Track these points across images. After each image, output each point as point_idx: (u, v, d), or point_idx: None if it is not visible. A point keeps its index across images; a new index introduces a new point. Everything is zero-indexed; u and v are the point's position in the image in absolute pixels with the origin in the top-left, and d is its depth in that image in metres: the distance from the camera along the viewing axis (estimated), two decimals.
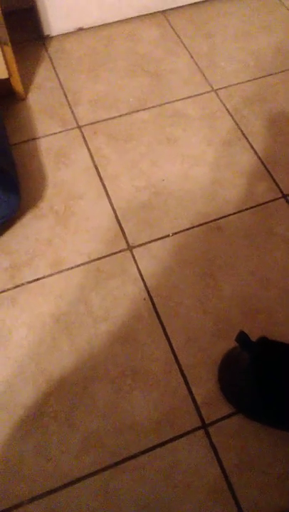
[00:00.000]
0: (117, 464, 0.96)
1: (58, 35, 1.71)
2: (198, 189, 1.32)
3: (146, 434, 0.99)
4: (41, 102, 1.52)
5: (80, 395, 1.03)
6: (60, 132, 1.45)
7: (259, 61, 1.62)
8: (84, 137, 1.43)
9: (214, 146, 1.41)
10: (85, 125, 1.46)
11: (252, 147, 1.40)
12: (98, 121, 1.47)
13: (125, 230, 1.25)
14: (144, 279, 1.18)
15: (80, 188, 1.33)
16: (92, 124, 1.47)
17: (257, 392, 0.97)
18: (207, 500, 0.93)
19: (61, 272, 1.19)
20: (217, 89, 1.54)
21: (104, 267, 1.20)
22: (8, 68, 1.41)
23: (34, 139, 1.43)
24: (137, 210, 1.29)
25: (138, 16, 1.75)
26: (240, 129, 1.45)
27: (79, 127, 1.46)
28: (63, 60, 1.64)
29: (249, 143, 1.41)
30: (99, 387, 1.04)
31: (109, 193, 1.32)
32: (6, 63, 1.40)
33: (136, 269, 1.19)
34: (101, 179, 1.35)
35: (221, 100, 1.51)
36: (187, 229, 1.25)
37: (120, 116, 1.48)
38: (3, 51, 1.36)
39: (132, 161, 1.38)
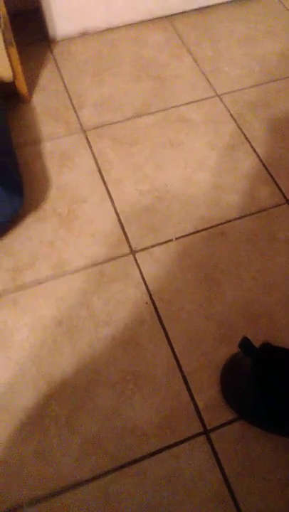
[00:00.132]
0: (118, 468, 0.96)
1: (63, 38, 1.71)
2: (202, 194, 1.32)
3: (147, 439, 0.99)
4: (46, 105, 1.52)
5: (81, 399, 1.03)
6: (64, 135, 1.45)
7: (263, 67, 1.62)
8: (88, 140, 1.43)
9: (218, 150, 1.41)
10: (90, 128, 1.46)
11: (255, 152, 1.40)
12: (102, 125, 1.47)
13: (128, 234, 1.25)
14: (147, 283, 1.17)
15: (83, 191, 1.32)
16: (96, 127, 1.47)
17: (259, 398, 0.97)
18: (208, 506, 0.92)
19: (64, 274, 1.19)
20: (221, 95, 1.54)
21: (106, 271, 1.19)
22: (13, 70, 1.41)
23: (38, 141, 1.43)
24: (140, 214, 1.28)
25: (143, 21, 1.76)
26: (243, 134, 1.45)
27: (83, 130, 1.46)
28: (68, 62, 1.64)
29: (252, 148, 1.41)
30: (100, 390, 1.04)
31: (113, 196, 1.32)
32: (11, 65, 1.40)
33: (138, 273, 1.19)
34: (105, 183, 1.34)
35: (224, 105, 1.51)
36: (190, 234, 1.25)
37: (125, 120, 1.48)
38: (8, 53, 1.36)
39: (136, 165, 1.38)
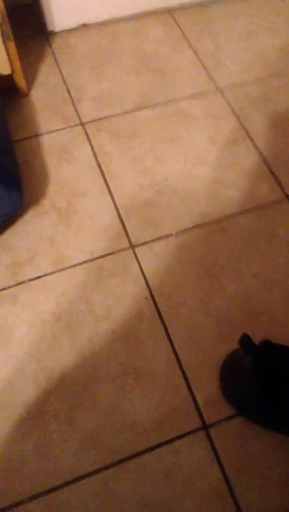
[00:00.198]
0: (117, 463, 0.96)
1: (62, 31, 1.71)
2: (202, 188, 1.32)
3: (146, 434, 0.99)
4: (44, 99, 1.51)
5: (81, 394, 1.03)
6: (63, 129, 1.44)
7: (264, 62, 1.61)
8: (87, 134, 1.43)
9: (218, 145, 1.40)
10: (89, 122, 1.46)
11: (256, 147, 1.40)
12: (102, 118, 1.46)
13: (128, 229, 1.25)
14: (147, 277, 1.17)
15: (82, 186, 1.32)
16: (95, 120, 1.46)
17: (259, 395, 0.97)
18: (207, 501, 0.93)
19: (63, 269, 1.18)
20: (222, 89, 1.54)
21: (106, 265, 1.19)
22: (11, 64, 1.41)
23: (37, 135, 1.42)
24: (139, 208, 1.28)
25: (143, 13, 1.75)
26: (244, 129, 1.44)
27: (82, 124, 1.45)
28: (67, 56, 1.63)
29: (253, 143, 1.41)
30: (100, 386, 1.04)
31: (112, 190, 1.31)
32: (9, 59, 1.39)
33: (138, 268, 1.19)
34: (104, 176, 1.34)
35: (225, 100, 1.51)
36: (190, 228, 1.25)
37: (124, 113, 1.48)
38: (6, 47, 1.35)
39: (136, 159, 1.37)
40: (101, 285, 1.16)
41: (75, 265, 1.19)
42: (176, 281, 1.17)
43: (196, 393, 1.03)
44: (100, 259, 1.20)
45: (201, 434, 0.99)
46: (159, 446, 0.98)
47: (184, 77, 1.56)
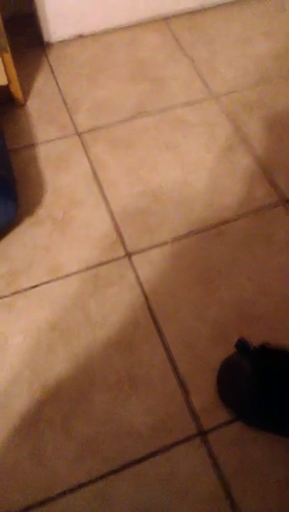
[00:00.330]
0: (113, 471, 0.96)
1: (59, 42, 1.72)
2: (197, 195, 1.32)
3: (143, 441, 0.98)
4: (41, 109, 1.52)
5: (77, 402, 1.03)
6: (59, 138, 1.45)
7: (259, 67, 1.61)
8: (83, 143, 1.43)
9: (214, 152, 1.41)
10: (85, 131, 1.46)
11: (251, 153, 1.40)
12: (98, 128, 1.47)
13: (124, 237, 1.25)
14: (142, 285, 1.17)
15: (78, 195, 1.32)
16: (91, 130, 1.46)
17: (257, 398, 0.97)
18: (205, 508, 0.92)
19: (59, 278, 1.19)
20: (217, 96, 1.54)
21: (102, 274, 1.19)
22: (7, 74, 1.42)
23: (33, 145, 1.43)
24: (135, 216, 1.28)
25: (139, 23, 1.76)
26: (239, 135, 1.44)
27: (78, 134, 1.46)
28: (63, 66, 1.64)
29: (248, 149, 1.41)
30: (96, 393, 1.03)
31: (108, 199, 1.32)
32: (6, 69, 1.40)
33: (134, 276, 1.19)
34: (100, 185, 1.34)
35: (220, 106, 1.51)
36: (186, 235, 1.25)
37: (120, 122, 1.48)
38: (2, 57, 1.36)
39: (131, 167, 1.38)
40: (97, 293, 1.16)
41: (70, 274, 1.19)
42: (172, 288, 1.17)
43: (192, 399, 1.03)
44: (96, 268, 1.20)
45: (198, 440, 0.98)
46: (155, 453, 0.97)
47: (180, 85, 1.57)
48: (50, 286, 1.17)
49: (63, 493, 0.94)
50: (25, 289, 1.17)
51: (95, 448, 0.98)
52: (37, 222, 1.27)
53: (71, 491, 0.94)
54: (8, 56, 1.38)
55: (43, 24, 1.65)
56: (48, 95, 1.55)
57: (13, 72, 1.42)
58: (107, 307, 1.14)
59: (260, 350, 0.94)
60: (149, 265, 1.20)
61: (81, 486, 0.94)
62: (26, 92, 1.56)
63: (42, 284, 1.18)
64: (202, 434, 0.99)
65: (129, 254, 1.22)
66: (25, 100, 1.54)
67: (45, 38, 1.69)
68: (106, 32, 1.74)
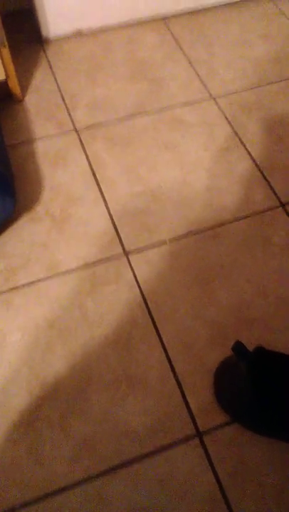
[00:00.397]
0: (110, 470, 0.95)
1: (57, 38, 1.71)
2: (196, 195, 1.32)
3: (140, 441, 0.98)
4: (39, 105, 1.51)
5: (74, 400, 1.02)
6: (57, 135, 1.44)
7: (258, 69, 1.62)
8: (81, 141, 1.43)
9: (212, 152, 1.41)
10: (83, 128, 1.46)
11: (250, 154, 1.40)
12: (96, 125, 1.46)
13: (121, 235, 1.24)
14: (140, 284, 1.17)
15: (76, 192, 1.32)
16: (89, 127, 1.46)
17: (253, 400, 0.97)
18: (202, 508, 0.92)
19: (56, 275, 1.18)
20: (215, 97, 1.54)
21: (99, 272, 1.19)
22: (5, 70, 1.41)
23: (31, 141, 1.42)
24: (133, 215, 1.28)
25: (138, 22, 1.75)
26: (238, 136, 1.44)
27: (76, 130, 1.45)
28: (62, 62, 1.63)
29: (247, 150, 1.41)
30: (93, 392, 1.03)
31: (106, 197, 1.31)
32: (4, 65, 1.39)
33: (132, 275, 1.18)
34: (98, 183, 1.34)
35: (219, 107, 1.51)
36: (184, 235, 1.25)
37: (119, 120, 1.48)
38: (0, 53, 1.35)
39: (130, 166, 1.37)
40: (94, 292, 1.16)
41: (68, 271, 1.19)
42: (170, 288, 1.16)
43: (189, 400, 1.03)
44: (94, 266, 1.20)
45: (195, 441, 0.98)
46: (152, 453, 0.97)
47: (178, 85, 1.57)
48: (47, 283, 1.17)
49: (60, 491, 0.93)
50: (23, 286, 1.16)
51: (92, 447, 0.97)
52: (35, 219, 1.27)
53: (68, 489, 0.93)
54: (6, 51, 1.37)
55: (41, 20, 1.64)
56: (46, 91, 1.55)
57: (11, 67, 1.41)
58: (105, 306, 1.14)
59: (257, 354, 0.94)
60: (147, 265, 1.20)
61: (78, 484, 0.94)
62: (24, 88, 1.55)
63: (39, 280, 1.17)
64: (199, 434, 0.99)
65: (126, 253, 1.22)
66: (24, 96, 1.53)
67: (44, 34, 1.68)
68: (105, 29, 1.73)
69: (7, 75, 1.43)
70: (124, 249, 1.22)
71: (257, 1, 1.82)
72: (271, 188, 1.33)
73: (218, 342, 1.10)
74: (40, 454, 0.96)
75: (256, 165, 1.38)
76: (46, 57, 1.65)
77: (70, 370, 1.06)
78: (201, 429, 1.00)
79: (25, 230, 1.25)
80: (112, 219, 1.27)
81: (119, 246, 1.23)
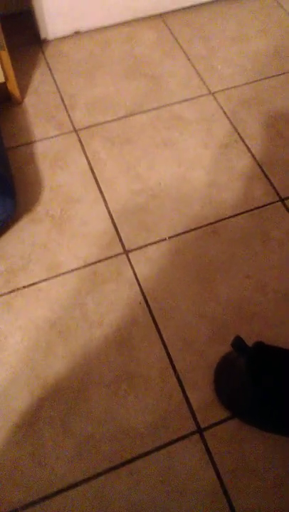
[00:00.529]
0: (112, 469, 0.96)
1: (55, 39, 1.71)
2: (195, 192, 1.32)
3: (141, 439, 0.99)
4: (38, 106, 1.51)
5: (75, 400, 1.03)
6: (56, 136, 1.44)
7: (256, 64, 1.61)
8: (80, 141, 1.43)
9: (211, 149, 1.41)
10: (82, 129, 1.46)
11: (249, 150, 1.40)
12: (95, 125, 1.47)
13: (121, 234, 1.25)
14: (140, 282, 1.17)
15: (76, 192, 1.32)
16: (88, 127, 1.46)
17: (253, 395, 0.97)
18: (203, 505, 0.92)
19: (57, 276, 1.19)
20: (214, 92, 1.54)
21: (100, 271, 1.19)
22: (4, 72, 1.41)
23: (30, 142, 1.43)
24: (133, 213, 1.28)
25: (135, 19, 1.75)
26: (237, 132, 1.44)
27: (75, 131, 1.46)
28: (60, 63, 1.64)
29: (246, 146, 1.41)
30: (94, 392, 1.04)
31: (106, 196, 1.32)
32: (3, 68, 1.40)
33: (132, 273, 1.19)
34: (97, 183, 1.34)
35: (218, 103, 1.51)
36: (183, 232, 1.25)
37: (117, 119, 1.48)
38: None
39: (129, 165, 1.38)
40: (95, 291, 1.17)
41: (68, 271, 1.19)
42: (170, 285, 1.17)
43: (190, 396, 1.03)
44: (94, 265, 1.20)
45: (196, 437, 0.99)
46: (153, 451, 0.98)
47: (177, 82, 1.57)
48: (48, 284, 1.17)
49: (62, 491, 0.94)
50: (24, 287, 1.17)
51: (93, 446, 0.98)
52: (35, 220, 1.27)
53: (70, 488, 0.94)
54: (5, 54, 1.37)
55: (40, 21, 1.64)
56: (45, 92, 1.55)
57: (10, 69, 1.42)
58: (105, 305, 1.14)
59: (256, 349, 0.95)
60: (147, 262, 1.20)
61: (80, 483, 0.95)
62: (23, 90, 1.56)
63: (40, 281, 1.18)
64: (200, 431, 0.99)
65: (126, 252, 1.22)
66: (23, 98, 1.54)
67: (42, 35, 1.69)
68: (103, 29, 1.74)
69: (6, 78, 1.43)
70: (124, 247, 1.23)
71: None
72: (270, 183, 1.33)
73: (218, 338, 1.10)
74: (42, 454, 0.97)
75: (255, 160, 1.38)
76: (45, 58, 1.65)
77: (71, 370, 1.06)
78: (201, 425, 1.00)
79: (25, 231, 1.26)
80: (111, 218, 1.28)
81: (119, 245, 1.23)
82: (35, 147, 1.42)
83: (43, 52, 1.67)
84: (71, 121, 1.48)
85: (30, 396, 1.03)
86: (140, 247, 1.23)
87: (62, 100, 1.53)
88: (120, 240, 1.24)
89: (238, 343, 0.95)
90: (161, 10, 1.76)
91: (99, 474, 0.96)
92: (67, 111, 1.50)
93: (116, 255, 1.22)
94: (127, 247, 1.23)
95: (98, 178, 1.35)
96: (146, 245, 1.23)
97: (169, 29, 1.72)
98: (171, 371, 1.06)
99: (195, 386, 1.04)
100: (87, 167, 1.37)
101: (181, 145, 1.42)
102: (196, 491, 0.93)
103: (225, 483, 0.94)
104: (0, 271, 1.19)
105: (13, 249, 1.22)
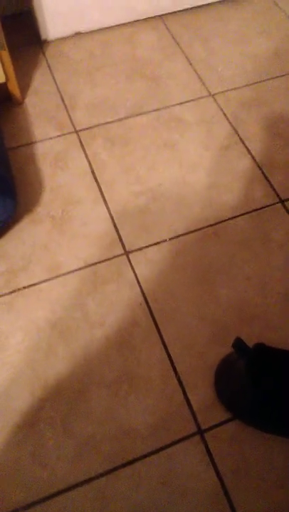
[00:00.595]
0: (113, 470, 0.96)
1: (56, 39, 1.71)
2: (195, 194, 1.32)
3: (142, 440, 0.99)
4: (38, 107, 1.52)
5: (76, 401, 1.03)
6: (57, 137, 1.44)
7: (256, 65, 1.62)
8: (81, 142, 1.43)
9: (211, 150, 1.41)
10: (83, 129, 1.46)
11: (249, 152, 1.40)
12: (96, 126, 1.47)
13: (122, 235, 1.25)
14: (141, 283, 1.17)
15: (77, 193, 1.32)
16: (89, 128, 1.46)
17: (254, 397, 0.97)
18: (203, 506, 0.93)
19: (58, 277, 1.19)
20: (214, 94, 1.54)
21: (100, 272, 1.19)
22: (5, 72, 1.41)
23: (31, 143, 1.43)
24: (133, 214, 1.28)
25: (136, 21, 1.75)
26: (237, 133, 1.45)
27: (76, 132, 1.46)
28: (61, 64, 1.64)
29: (246, 147, 1.41)
30: (95, 392, 1.04)
31: (106, 197, 1.32)
32: (3, 68, 1.40)
33: (132, 274, 1.19)
34: (98, 184, 1.34)
35: (218, 105, 1.51)
36: (184, 234, 1.25)
37: (118, 120, 1.48)
38: (0, 56, 1.36)
39: (130, 166, 1.38)
40: (96, 292, 1.17)
41: (69, 272, 1.19)
42: (171, 287, 1.17)
43: (190, 398, 1.03)
44: (95, 266, 1.20)
45: (197, 438, 0.99)
46: (154, 452, 0.98)
47: (177, 83, 1.57)
48: (49, 285, 1.18)
49: (63, 492, 0.94)
50: (24, 288, 1.17)
51: (94, 447, 0.98)
52: (36, 221, 1.27)
53: (71, 489, 0.94)
54: (6, 54, 1.37)
55: (40, 22, 1.64)
56: (46, 93, 1.55)
57: (10, 70, 1.42)
58: (106, 306, 1.15)
59: (256, 350, 0.95)
60: (148, 264, 1.20)
61: (81, 484, 0.95)
62: (24, 90, 1.56)
63: (41, 282, 1.18)
64: (200, 432, 0.99)
65: (127, 253, 1.22)
66: (23, 98, 1.54)
67: (43, 36, 1.69)
68: (103, 30, 1.74)
69: (7, 78, 1.43)
70: (124, 248, 1.23)
71: None
72: (271, 185, 1.33)
73: (218, 339, 1.10)
74: (42, 455, 0.97)
75: (256, 162, 1.38)
76: (45, 59, 1.65)
77: (72, 371, 1.06)
78: (202, 426, 1.00)
79: (26, 231, 1.26)
80: (112, 219, 1.28)
81: (120, 246, 1.23)
82: (35, 148, 1.42)
83: (44, 53, 1.67)
84: (72, 122, 1.48)
85: (30, 396, 1.03)
86: (141, 248, 1.23)
87: (63, 101, 1.53)
88: (121, 240, 1.24)
89: (238, 344, 0.96)
90: (161, 11, 1.76)
91: (100, 475, 0.96)
92: (67, 111, 1.50)
93: (116, 256, 1.22)
94: (127, 248, 1.23)
95: (99, 179, 1.35)
96: (146, 246, 1.23)
97: (169, 31, 1.72)
98: (172, 372, 1.06)
99: (195, 387, 1.04)
100: (87, 168, 1.38)
101: (182, 146, 1.42)
102: (196, 492, 0.94)
103: (226, 484, 0.94)
104: (0, 271, 1.19)
105: (13, 250, 1.22)
